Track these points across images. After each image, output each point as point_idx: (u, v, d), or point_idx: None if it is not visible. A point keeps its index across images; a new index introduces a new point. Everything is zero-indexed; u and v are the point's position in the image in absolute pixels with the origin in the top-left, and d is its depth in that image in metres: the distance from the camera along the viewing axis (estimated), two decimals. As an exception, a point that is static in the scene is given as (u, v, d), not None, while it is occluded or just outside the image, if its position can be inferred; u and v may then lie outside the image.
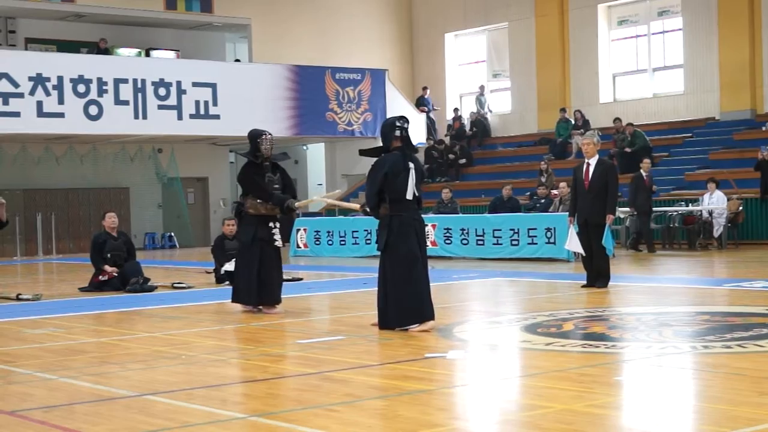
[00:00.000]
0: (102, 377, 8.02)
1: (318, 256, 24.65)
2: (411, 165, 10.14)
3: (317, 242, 25.13)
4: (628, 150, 27.22)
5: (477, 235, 21.56)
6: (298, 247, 25.56)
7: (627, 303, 12.69)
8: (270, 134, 12.30)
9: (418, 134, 34.67)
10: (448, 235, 22.12)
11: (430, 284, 10.30)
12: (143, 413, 6.63)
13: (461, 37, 36.21)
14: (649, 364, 8.09)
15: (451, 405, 6.90)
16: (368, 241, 23.22)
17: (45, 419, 6.47)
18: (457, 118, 33.98)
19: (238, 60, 34.20)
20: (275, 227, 12.12)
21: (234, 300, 12.39)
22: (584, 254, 14.14)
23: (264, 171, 12.13)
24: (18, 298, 14.92)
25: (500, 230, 21.15)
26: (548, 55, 32.59)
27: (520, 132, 33.46)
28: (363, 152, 10.91)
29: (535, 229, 20.52)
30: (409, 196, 10.09)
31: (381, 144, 10.41)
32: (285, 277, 17.28)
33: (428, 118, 33.69)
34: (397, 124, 10.24)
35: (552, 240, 20.06)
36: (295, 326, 10.86)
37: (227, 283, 16.44)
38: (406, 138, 10.24)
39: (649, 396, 6.87)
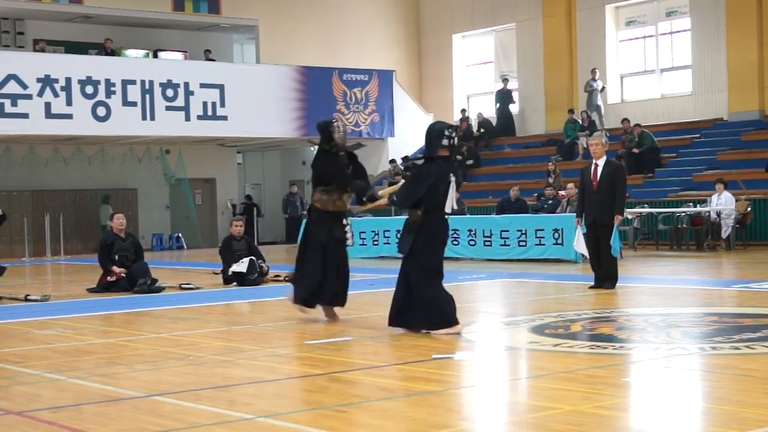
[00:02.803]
0: (110, 378, 8.03)
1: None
2: (452, 177, 9.86)
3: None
4: (636, 151, 27.19)
5: (484, 236, 21.54)
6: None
7: (635, 304, 12.67)
8: (340, 121, 11.64)
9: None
10: (455, 236, 22.07)
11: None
12: (151, 414, 6.64)
13: (469, 38, 36.20)
14: (657, 365, 8.08)
15: (459, 406, 6.90)
16: (375, 242, 23.20)
17: (53, 420, 6.48)
18: (465, 119, 33.95)
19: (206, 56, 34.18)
20: (348, 224, 11.39)
21: (309, 304, 11.35)
22: (587, 256, 14.12)
23: (340, 161, 11.28)
24: (26, 299, 14.94)
25: (508, 231, 21.13)
26: (556, 56, 32.56)
27: (527, 133, 33.43)
28: (407, 160, 10.72)
29: (542, 230, 20.50)
30: (448, 209, 9.88)
31: (425, 147, 10.13)
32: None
33: (592, 103, 31.18)
34: (446, 132, 9.88)
35: (560, 241, 20.04)
36: (303, 327, 10.86)
37: (235, 284, 16.47)
38: (453, 147, 9.94)
39: (657, 397, 6.85)
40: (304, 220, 11.81)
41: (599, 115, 30.45)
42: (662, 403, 6.62)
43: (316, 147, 11.54)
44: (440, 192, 9.75)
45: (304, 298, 11.29)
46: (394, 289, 10.13)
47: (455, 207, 10.04)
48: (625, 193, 14.24)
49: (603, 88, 30.57)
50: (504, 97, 33.49)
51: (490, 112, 34.73)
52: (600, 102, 30.58)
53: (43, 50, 29.84)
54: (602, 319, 10.80)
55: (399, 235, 10.24)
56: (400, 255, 10.05)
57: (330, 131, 11.24)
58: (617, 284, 13.99)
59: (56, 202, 30.20)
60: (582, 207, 14.19)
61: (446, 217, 9.99)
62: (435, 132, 9.95)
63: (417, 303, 9.81)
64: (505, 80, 33.38)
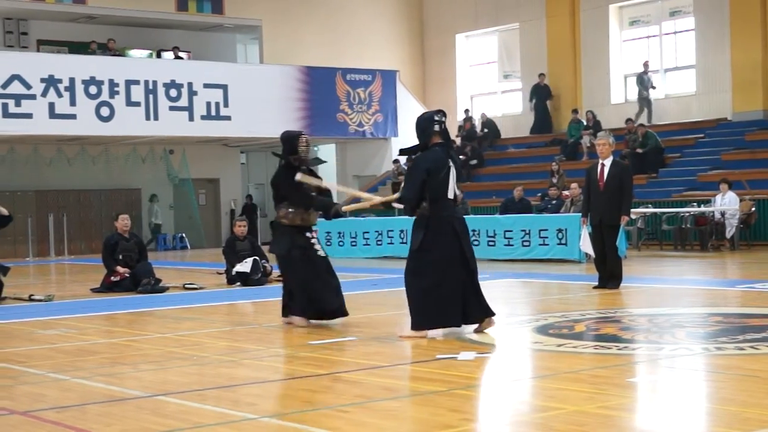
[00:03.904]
0: (114, 378, 8.04)
1: (330, 257, 24.59)
2: (451, 163, 9.71)
3: (329, 243, 25.10)
4: (640, 151, 27.18)
5: (488, 236, 21.53)
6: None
7: (639, 304, 12.66)
8: (307, 135, 11.37)
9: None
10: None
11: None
12: (155, 414, 6.64)
13: (472, 37, 36.20)
14: (662, 365, 8.08)
15: (462, 406, 6.89)
16: (379, 243, 23.21)
17: (58, 420, 6.49)
18: (468, 119, 33.94)
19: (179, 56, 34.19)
20: (313, 237, 11.12)
21: (293, 314, 11.12)
22: (594, 255, 14.12)
23: (303, 183, 10.99)
24: (30, 299, 14.96)
25: (511, 231, 21.13)
26: (559, 56, 32.56)
27: (531, 133, 33.41)
28: (403, 151, 10.41)
29: (546, 230, 20.50)
30: (450, 195, 9.69)
31: (417, 140, 9.89)
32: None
33: (642, 96, 30.55)
34: (436, 118, 9.68)
35: (563, 241, 20.04)
36: (306, 327, 10.85)
37: (238, 284, 16.48)
38: (445, 132, 9.76)
39: (662, 398, 6.85)
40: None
41: (649, 110, 30.17)
42: (666, 403, 6.61)
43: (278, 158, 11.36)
44: (442, 179, 9.60)
45: (301, 311, 11.10)
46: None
47: (458, 193, 9.88)
48: (632, 194, 14.22)
49: (653, 86, 30.23)
50: (540, 92, 32.80)
51: (494, 111, 34.74)
52: (651, 97, 30.34)
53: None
54: (606, 320, 10.79)
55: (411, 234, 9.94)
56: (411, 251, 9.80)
57: (295, 144, 11.10)
58: (621, 284, 13.97)
59: (60, 202, 30.25)
60: (588, 207, 14.18)
61: (453, 206, 9.80)
62: (425, 120, 9.79)
63: (417, 302, 9.66)
64: (542, 75, 32.70)
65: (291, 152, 11.12)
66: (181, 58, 31.72)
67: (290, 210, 11.01)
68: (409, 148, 10.19)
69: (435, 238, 9.60)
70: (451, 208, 9.76)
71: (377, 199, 10.92)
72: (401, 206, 10.08)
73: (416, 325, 9.69)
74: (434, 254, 9.59)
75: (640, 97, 30.20)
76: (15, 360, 9.10)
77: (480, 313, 9.85)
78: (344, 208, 11.53)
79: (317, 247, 11.11)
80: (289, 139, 11.20)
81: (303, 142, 11.13)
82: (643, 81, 30.06)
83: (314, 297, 10.91)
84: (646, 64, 30.08)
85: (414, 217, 9.85)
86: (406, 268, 9.83)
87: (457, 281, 9.66)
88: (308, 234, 11.10)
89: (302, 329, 10.66)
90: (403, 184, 9.96)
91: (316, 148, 35.85)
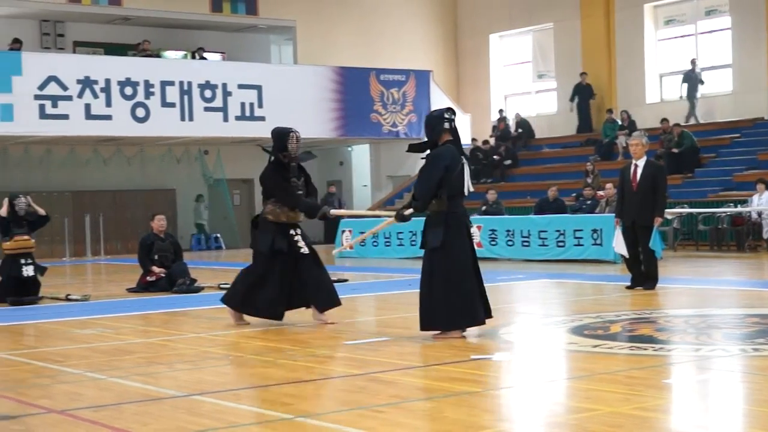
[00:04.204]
0: (150, 377, 8.08)
1: (363, 257, 24.68)
2: (463, 159, 9.72)
3: (362, 243, 25.15)
4: (675, 151, 27.03)
5: (522, 237, 21.49)
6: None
7: (675, 305, 12.60)
8: (297, 132, 11.40)
9: (462, 135, 34.62)
10: (493, 236, 22.07)
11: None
12: (191, 413, 6.67)
13: (506, 38, 36.12)
14: (698, 366, 8.03)
15: (497, 407, 6.89)
16: (413, 243, 23.18)
17: (94, 418, 6.53)
18: (502, 119, 33.88)
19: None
20: (297, 234, 11.13)
21: (232, 305, 11.30)
22: (627, 256, 14.04)
23: (290, 174, 11.18)
24: (67, 299, 15.06)
25: (546, 231, 21.07)
26: (594, 56, 32.43)
27: (565, 133, 33.30)
28: (412, 147, 10.33)
29: (581, 230, 20.42)
30: (466, 191, 9.68)
31: (426, 137, 9.87)
32: (331, 278, 17.40)
33: (691, 94, 30.11)
34: (446, 116, 9.73)
35: (598, 241, 19.96)
36: (341, 327, 10.87)
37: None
38: (455, 130, 9.78)
39: (698, 399, 6.82)
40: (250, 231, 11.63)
41: (694, 106, 29.86)
42: (703, 405, 6.58)
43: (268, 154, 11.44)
44: (457, 175, 9.58)
45: (231, 301, 11.29)
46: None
47: (471, 189, 9.82)
48: (665, 195, 14.12)
49: (702, 82, 29.93)
50: (582, 91, 32.39)
51: (528, 111, 34.65)
52: (698, 93, 30.04)
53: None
54: (642, 320, 10.74)
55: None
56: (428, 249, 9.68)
57: (285, 141, 11.18)
58: (657, 285, 13.90)
59: (96, 202, 30.42)
60: (621, 207, 14.11)
61: (463, 203, 9.80)
62: (434, 118, 9.82)
63: (439, 301, 9.54)
64: (584, 74, 32.32)
65: (281, 149, 11.22)
66: (205, 58, 31.80)
67: (277, 207, 11.11)
68: (417, 144, 10.14)
69: (455, 235, 9.58)
70: (463, 205, 9.81)
71: (393, 219, 10.76)
72: (411, 210, 9.90)
73: (450, 324, 9.66)
74: (455, 252, 9.57)
75: (689, 96, 29.88)
76: (52, 359, 9.17)
77: (487, 314, 9.82)
78: (332, 212, 11.57)
79: (300, 244, 11.10)
80: (280, 136, 11.30)
81: (293, 139, 11.22)
82: (691, 79, 29.77)
83: (263, 299, 10.99)
84: (693, 62, 29.77)
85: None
86: (426, 268, 9.70)
87: (473, 277, 9.67)
88: (292, 231, 11.12)
89: (339, 330, 10.68)
90: (417, 184, 9.84)
91: (350, 149, 35.93)
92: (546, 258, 20.74)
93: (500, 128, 33.66)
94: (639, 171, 13.87)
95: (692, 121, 29.43)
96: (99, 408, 6.92)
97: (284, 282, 11.03)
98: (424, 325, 9.72)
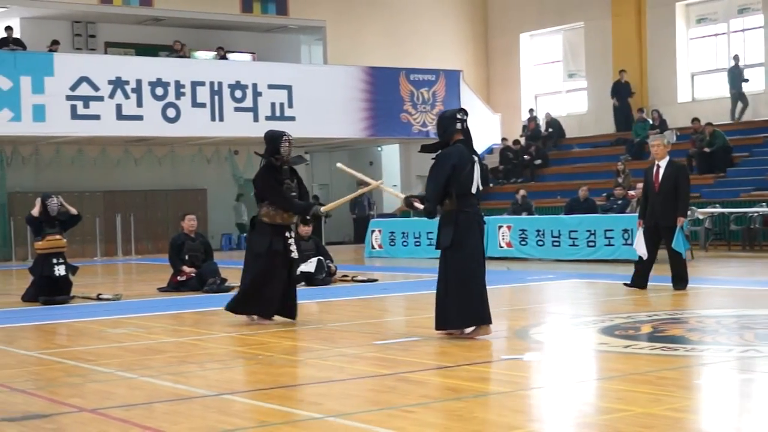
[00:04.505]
0: (181, 376, 8.11)
1: (393, 257, 24.68)
2: (475, 158, 9.75)
3: (392, 243, 25.17)
4: (707, 150, 26.87)
5: (553, 237, 21.43)
6: (373, 248, 25.62)
7: (706, 305, 12.53)
8: (290, 136, 11.48)
9: (492, 135, 34.61)
10: (523, 236, 22.01)
11: (489, 286, 9.86)
12: (221, 412, 6.69)
13: (536, 37, 36.02)
14: (730, 367, 7.98)
15: (527, 407, 6.87)
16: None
17: (125, 417, 6.56)
18: (533, 119, 33.79)
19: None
20: (291, 237, 11.39)
21: (239, 311, 11.51)
22: (645, 257, 13.97)
23: (283, 176, 11.33)
24: (98, 298, 15.13)
25: (576, 231, 20.99)
26: (625, 55, 32.28)
27: (596, 132, 33.16)
28: (424, 148, 10.29)
29: (612, 230, 20.33)
30: (474, 190, 9.66)
31: (439, 137, 9.90)
32: (361, 277, 17.47)
33: (736, 91, 29.74)
34: (458, 116, 9.77)
35: (629, 241, 19.83)
36: (371, 327, 10.88)
37: (303, 283, 16.55)
38: (467, 131, 9.82)
39: (729, 400, 6.77)
40: (246, 233, 11.82)
41: (743, 103, 29.70)
42: (734, 406, 6.54)
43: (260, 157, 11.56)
44: (467, 174, 9.57)
45: (237, 307, 11.49)
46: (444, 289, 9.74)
47: (481, 187, 9.82)
48: (688, 194, 14.04)
49: (746, 79, 29.70)
50: (621, 89, 31.85)
51: (559, 111, 34.54)
52: (745, 90, 29.73)
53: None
54: (673, 321, 10.69)
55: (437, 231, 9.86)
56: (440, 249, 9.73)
57: (277, 145, 11.29)
58: (688, 286, 13.83)
59: (127, 202, 30.54)
60: (644, 209, 14.09)
61: (477, 203, 9.77)
62: (447, 118, 9.86)
63: (452, 301, 9.54)
64: (622, 72, 31.82)
65: (273, 152, 11.34)
66: (226, 58, 31.86)
67: (271, 209, 11.27)
68: (429, 145, 10.13)
69: (465, 234, 9.57)
70: (475, 204, 9.77)
71: (402, 196, 10.91)
72: (422, 207, 9.94)
73: (462, 323, 9.61)
74: (466, 251, 9.56)
75: (733, 93, 29.63)
76: (84, 358, 9.22)
77: (489, 316, 9.74)
78: (323, 209, 11.72)
79: (292, 248, 11.34)
80: (272, 139, 11.41)
81: (285, 142, 11.33)
82: (735, 75, 29.55)
83: (267, 296, 11.22)
84: (736, 57, 29.50)
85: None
86: (440, 268, 9.73)
87: (483, 277, 9.69)
88: (287, 234, 11.34)
89: (369, 330, 10.68)
90: (427, 182, 9.83)
91: (380, 149, 35.93)
92: (576, 258, 20.67)
93: (530, 128, 33.57)
94: (661, 172, 13.84)
95: (736, 118, 29.12)
96: (130, 407, 6.95)
97: (281, 283, 11.27)
98: (438, 325, 9.73)
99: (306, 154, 34.95)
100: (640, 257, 14.02)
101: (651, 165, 14.21)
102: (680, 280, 13.82)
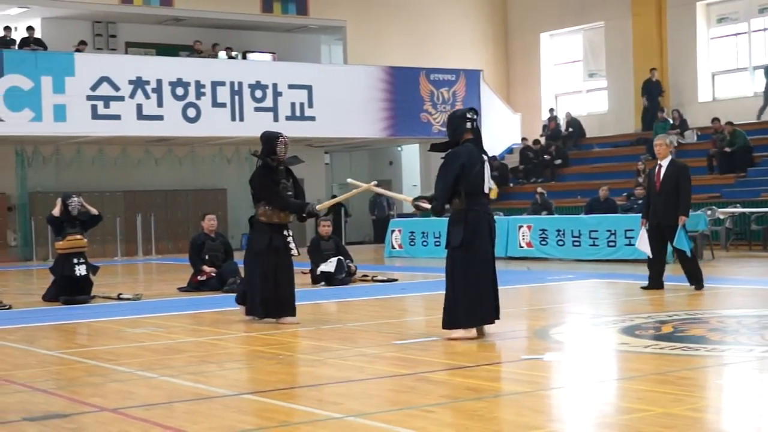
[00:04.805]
0: (201, 376, 8.12)
1: (413, 257, 24.67)
2: (485, 157, 9.72)
3: (412, 243, 25.17)
4: (727, 150, 26.77)
5: (573, 236, 21.38)
6: (393, 247, 25.62)
7: (727, 305, 12.48)
8: (286, 137, 11.66)
9: (512, 135, 34.59)
10: (543, 236, 21.98)
11: (501, 285, 9.86)
12: (241, 412, 6.71)
13: (556, 37, 35.96)
14: (751, 367, 7.95)
15: (548, 407, 6.86)
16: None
17: (146, 417, 6.58)
18: (553, 119, 33.73)
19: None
20: (289, 235, 11.59)
21: (249, 312, 11.69)
22: (650, 256, 13.98)
23: (279, 176, 11.53)
24: (119, 298, 15.18)
25: (597, 231, 20.94)
26: (645, 55, 32.18)
27: (616, 132, 33.08)
28: (434, 147, 10.24)
29: (632, 230, 20.21)
30: (486, 189, 9.66)
31: (449, 137, 9.86)
32: (381, 277, 17.47)
33: None
34: (468, 116, 9.73)
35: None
36: (391, 327, 10.88)
37: (323, 283, 16.57)
38: (476, 130, 9.77)
39: (750, 400, 6.74)
40: (247, 233, 11.97)
41: None
42: (755, 406, 6.51)
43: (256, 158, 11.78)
44: (476, 173, 9.55)
45: (251, 308, 11.61)
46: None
47: (492, 187, 9.82)
48: (689, 194, 14.03)
49: None
50: (651, 87, 31.53)
51: (579, 111, 34.47)
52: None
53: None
54: (694, 321, 10.65)
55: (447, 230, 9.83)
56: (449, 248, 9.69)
57: (273, 145, 11.47)
58: (709, 285, 13.79)
59: (148, 202, 30.63)
60: (648, 208, 14.10)
61: (487, 202, 9.76)
62: (457, 118, 9.82)
63: (460, 300, 9.53)
64: (653, 70, 31.56)
65: (269, 153, 11.54)
66: (234, 57, 31.89)
67: (268, 208, 11.45)
68: (439, 144, 10.09)
69: (475, 234, 9.54)
70: (485, 203, 9.75)
71: (407, 198, 10.98)
72: (429, 207, 9.93)
73: (469, 322, 9.58)
74: (476, 250, 9.54)
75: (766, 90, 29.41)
76: (104, 358, 9.25)
77: (496, 314, 9.77)
78: (318, 207, 11.82)
79: (292, 245, 11.54)
80: (269, 140, 11.59)
81: (281, 143, 11.50)
82: None
83: (267, 296, 11.35)
84: None
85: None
86: (448, 267, 9.72)
87: (490, 278, 9.65)
88: (285, 232, 11.53)
89: (389, 329, 10.67)
90: (436, 182, 9.79)
91: (400, 148, 35.94)
92: (597, 258, 20.62)
93: (551, 127, 33.51)
94: (663, 171, 13.88)
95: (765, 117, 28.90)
96: (150, 407, 6.97)
97: (286, 280, 11.47)
98: (445, 325, 9.71)
99: (326, 154, 35.11)
100: (651, 259, 13.99)
101: (654, 165, 14.26)
102: (693, 279, 13.80)
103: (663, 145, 13.97)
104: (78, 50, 28.42)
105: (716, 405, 6.68)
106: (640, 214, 21.76)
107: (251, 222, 11.74)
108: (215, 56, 31.49)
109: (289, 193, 11.54)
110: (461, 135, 9.73)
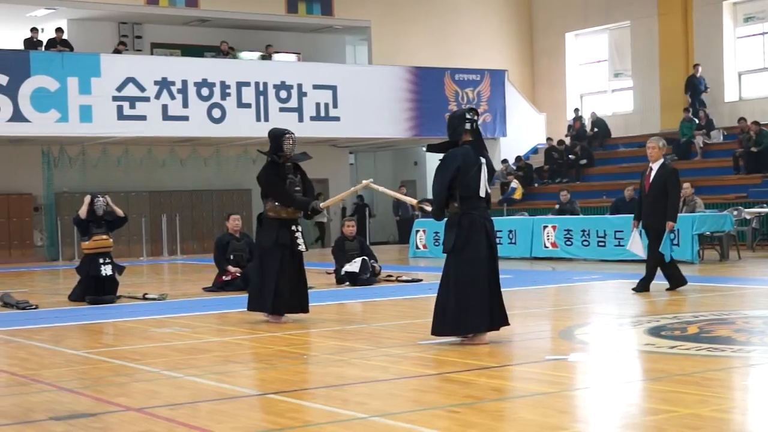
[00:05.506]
0: (226, 376, 8.14)
1: (437, 257, 24.61)
2: (482, 160, 9.54)
3: (436, 243, 25.10)
4: (754, 150, 26.62)
5: (598, 237, 21.31)
6: (418, 248, 25.60)
7: (753, 306, 12.41)
8: (293, 134, 11.84)
9: (537, 135, 34.52)
10: (568, 236, 21.92)
11: (501, 288, 9.61)
12: (266, 412, 6.72)
13: (582, 36, 35.86)
14: (778, 368, 7.91)
15: (572, 408, 6.84)
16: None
17: (171, 416, 6.60)
18: (578, 119, 33.64)
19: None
20: (298, 230, 11.60)
21: (251, 308, 11.78)
22: (644, 257, 13.98)
23: (286, 172, 11.64)
24: (144, 298, 15.24)
25: (622, 231, 20.84)
26: (671, 54, 32.05)
27: (642, 132, 32.92)
28: (431, 147, 10.14)
29: (658, 230, 20.16)
30: (482, 193, 9.45)
31: (448, 137, 9.76)
32: (405, 277, 17.46)
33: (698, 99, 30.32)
34: (468, 116, 9.60)
35: (675, 242, 19.65)
36: (415, 327, 10.87)
37: (347, 283, 16.58)
38: (476, 131, 9.65)
39: (778, 401, 6.70)
40: (255, 229, 12.09)
41: None
42: (783, 407, 6.47)
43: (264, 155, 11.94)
44: (472, 176, 9.38)
45: (258, 305, 11.67)
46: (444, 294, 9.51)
47: (489, 191, 9.62)
48: (677, 199, 14.02)
49: None
50: (695, 84, 31.17)
51: (604, 110, 34.37)
52: None
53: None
54: (720, 321, 10.60)
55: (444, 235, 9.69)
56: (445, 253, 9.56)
57: (280, 143, 11.65)
58: (735, 285, 13.71)
59: (173, 202, 30.74)
60: (639, 210, 14.12)
61: (485, 206, 9.54)
62: (456, 118, 9.71)
63: (450, 306, 9.32)
64: (696, 66, 31.11)
65: (276, 150, 11.71)
66: (236, 57, 31.96)
67: (276, 204, 11.57)
68: (437, 144, 9.99)
69: (468, 237, 9.36)
70: (482, 207, 9.54)
71: (411, 200, 11.07)
72: (429, 209, 9.88)
73: (457, 329, 9.40)
74: (470, 255, 9.32)
75: None
76: (130, 357, 9.29)
77: (501, 321, 9.52)
78: (321, 204, 11.92)
79: (299, 241, 11.55)
80: (276, 137, 11.80)
81: (288, 140, 11.70)
82: None
83: (280, 291, 11.38)
84: None
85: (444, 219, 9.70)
86: (443, 271, 9.54)
87: (485, 283, 9.36)
88: (293, 227, 11.59)
89: (413, 330, 10.67)
90: (433, 184, 9.70)
91: (424, 149, 35.86)
92: (622, 258, 20.52)
93: (576, 127, 33.42)
94: (652, 174, 13.85)
95: None
96: (175, 406, 6.99)
97: (292, 278, 11.49)
98: (434, 331, 9.52)
99: (351, 155, 35.13)
100: (660, 262, 13.96)
101: (646, 167, 14.24)
102: (672, 280, 13.84)
103: (656, 148, 13.94)
104: (117, 50, 28.62)
105: (742, 406, 6.65)
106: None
107: (260, 218, 11.84)
108: (269, 58, 31.61)
109: (297, 188, 11.65)
110: (460, 136, 9.62)
